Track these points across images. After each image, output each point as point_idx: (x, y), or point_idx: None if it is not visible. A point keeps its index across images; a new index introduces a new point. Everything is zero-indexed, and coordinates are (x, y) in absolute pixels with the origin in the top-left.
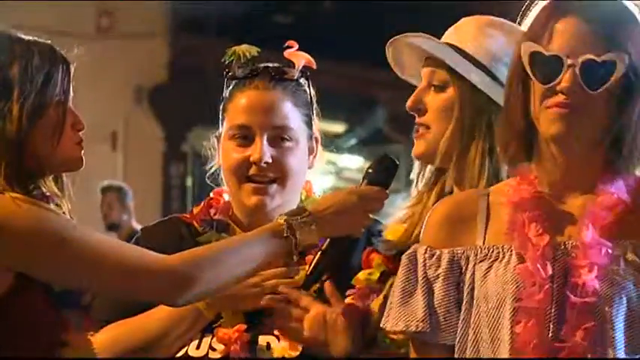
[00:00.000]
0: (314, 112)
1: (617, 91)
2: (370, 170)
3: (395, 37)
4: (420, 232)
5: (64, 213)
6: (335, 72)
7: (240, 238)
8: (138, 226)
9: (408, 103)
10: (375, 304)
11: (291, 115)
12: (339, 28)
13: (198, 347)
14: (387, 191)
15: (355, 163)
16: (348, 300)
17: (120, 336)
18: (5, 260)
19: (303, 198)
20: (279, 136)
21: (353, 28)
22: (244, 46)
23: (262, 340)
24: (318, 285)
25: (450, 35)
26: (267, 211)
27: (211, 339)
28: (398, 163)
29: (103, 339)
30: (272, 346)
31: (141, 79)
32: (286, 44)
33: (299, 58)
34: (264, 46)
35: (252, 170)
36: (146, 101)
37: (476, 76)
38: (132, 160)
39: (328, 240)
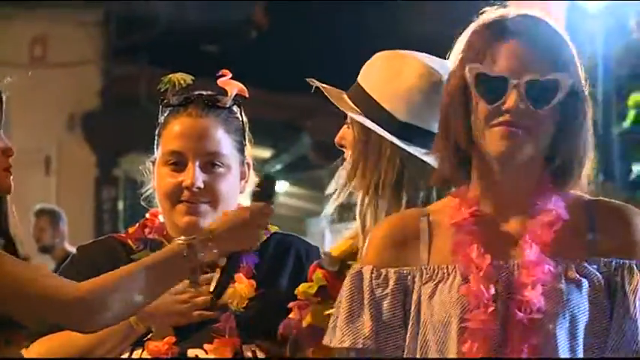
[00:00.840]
0: (246, 138)
1: (560, 110)
2: (256, 189)
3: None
4: (361, 252)
5: None
6: (261, 100)
7: (145, 262)
8: (71, 249)
9: (336, 139)
10: (306, 320)
11: (224, 141)
12: (265, 57)
13: None
14: (272, 206)
15: (281, 188)
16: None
17: (52, 349)
18: None
19: None
20: (211, 162)
21: (279, 57)
22: (179, 75)
23: (191, 353)
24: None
25: (361, 73)
26: (199, 229)
27: (142, 352)
28: (277, 180)
29: (36, 352)
30: (199, 359)
31: (74, 106)
32: (220, 73)
33: (232, 86)
34: (195, 75)
35: (185, 195)
36: (79, 127)
37: (364, 119)
38: (65, 184)
39: (226, 258)
